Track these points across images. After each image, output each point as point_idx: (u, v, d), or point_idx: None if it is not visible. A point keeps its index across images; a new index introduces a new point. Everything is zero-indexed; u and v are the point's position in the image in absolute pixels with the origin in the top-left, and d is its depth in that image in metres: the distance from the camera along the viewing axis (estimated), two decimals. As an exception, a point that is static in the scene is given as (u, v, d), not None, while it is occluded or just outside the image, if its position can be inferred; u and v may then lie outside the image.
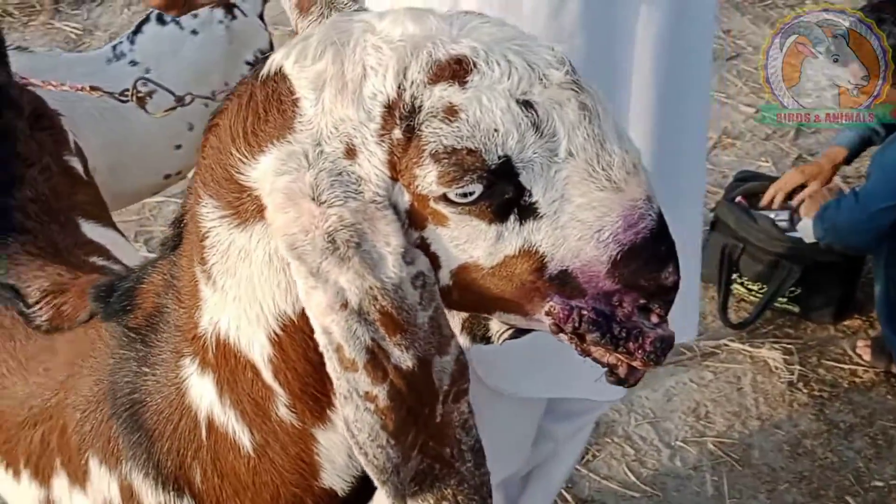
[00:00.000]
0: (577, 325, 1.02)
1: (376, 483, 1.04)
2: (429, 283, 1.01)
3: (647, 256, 1.00)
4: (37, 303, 1.45)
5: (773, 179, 3.54)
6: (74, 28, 4.72)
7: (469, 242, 1.00)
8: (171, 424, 1.18)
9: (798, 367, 3.25)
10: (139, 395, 1.20)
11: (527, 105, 0.95)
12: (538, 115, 0.95)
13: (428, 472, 1.07)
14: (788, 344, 3.34)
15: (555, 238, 0.99)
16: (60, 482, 1.35)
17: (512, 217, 0.98)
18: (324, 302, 0.97)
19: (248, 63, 2.69)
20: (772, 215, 3.38)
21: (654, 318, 1.03)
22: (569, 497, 2.81)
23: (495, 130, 0.94)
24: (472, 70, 0.95)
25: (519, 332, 1.17)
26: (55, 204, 1.76)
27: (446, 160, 0.94)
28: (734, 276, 3.43)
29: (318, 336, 0.99)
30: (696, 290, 2.07)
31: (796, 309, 3.41)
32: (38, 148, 1.86)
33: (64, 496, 1.35)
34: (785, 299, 3.38)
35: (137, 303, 1.21)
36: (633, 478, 2.88)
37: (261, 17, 2.83)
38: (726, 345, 3.33)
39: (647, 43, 1.58)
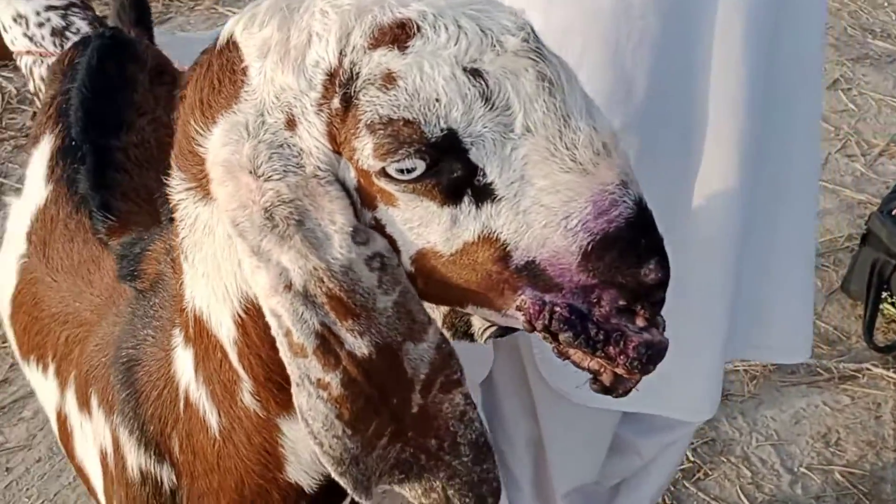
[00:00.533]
0: (547, 322, 0.91)
1: (333, 475, 0.97)
2: (389, 264, 0.93)
3: (623, 249, 0.89)
4: (104, 207, 1.53)
5: (938, 193, 3.24)
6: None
7: (423, 226, 0.92)
8: (157, 390, 1.17)
9: (947, 399, 2.95)
10: (137, 352, 1.21)
11: (475, 74, 0.86)
12: (488, 86, 0.86)
13: (413, 462, 1.00)
14: (939, 373, 3.04)
15: (517, 224, 0.89)
16: (71, 397, 1.39)
17: (466, 199, 0.90)
18: (267, 283, 0.92)
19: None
20: (930, 231, 3.09)
21: (640, 321, 0.92)
22: (672, 515, 2.66)
23: (436, 100, 0.85)
24: (414, 34, 0.87)
25: (504, 331, 1.07)
26: (158, 153, 1.83)
27: (381, 131, 0.86)
28: (884, 294, 3.15)
29: (268, 319, 0.94)
30: (809, 305, 1.88)
31: (952, 335, 3.10)
32: (154, 101, 1.93)
33: (74, 416, 1.39)
34: (940, 324, 3.09)
35: (143, 268, 1.22)
36: (746, 502, 2.69)
37: None
38: (868, 369, 3.06)
39: (735, 27, 1.43)
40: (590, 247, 0.89)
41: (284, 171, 0.91)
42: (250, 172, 0.91)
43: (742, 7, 1.42)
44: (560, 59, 0.90)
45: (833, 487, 2.72)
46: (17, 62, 2.35)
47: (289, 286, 0.91)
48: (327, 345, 0.92)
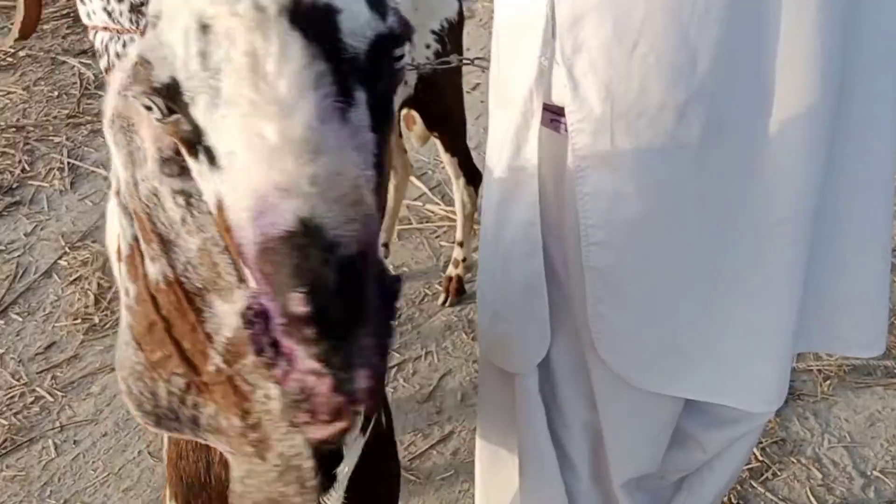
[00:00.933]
0: (242, 317, 0.85)
1: (116, 369, 1.07)
2: (196, 205, 0.95)
3: (277, 264, 0.79)
4: None
5: None
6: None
7: (194, 172, 0.92)
8: None
9: None
10: None
11: (205, 29, 0.83)
12: (208, 44, 0.83)
13: (227, 435, 1.05)
14: None
15: (233, 199, 0.84)
16: None
17: (201, 156, 0.87)
18: (112, 184, 1.01)
19: (433, 32, 2.63)
20: None
21: (308, 362, 0.81)
22: (737, 514, 2.59)
23: (168, 47, 0.85)
24: None
25: None
26: None
27: (136, 67, 0.87)
28: (969, 295, 3.02)
29: None
30: (884, 299, 1.80)
31: None
32: None
33: None
34: None
35: None
36: (816, 504, 2.61)
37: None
38: (950, 372, 2.95)
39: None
40: (258, 247, 0.80)
41: (129, 87, 0.92)
42: (118, 88, 0.99)
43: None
44: (295, 38, 0.83)
45: (908, 493, 2.62)
46: (91, 37, 2.38)
47: (118, 191, 1.00)
48: (134, 256, 1.00)
